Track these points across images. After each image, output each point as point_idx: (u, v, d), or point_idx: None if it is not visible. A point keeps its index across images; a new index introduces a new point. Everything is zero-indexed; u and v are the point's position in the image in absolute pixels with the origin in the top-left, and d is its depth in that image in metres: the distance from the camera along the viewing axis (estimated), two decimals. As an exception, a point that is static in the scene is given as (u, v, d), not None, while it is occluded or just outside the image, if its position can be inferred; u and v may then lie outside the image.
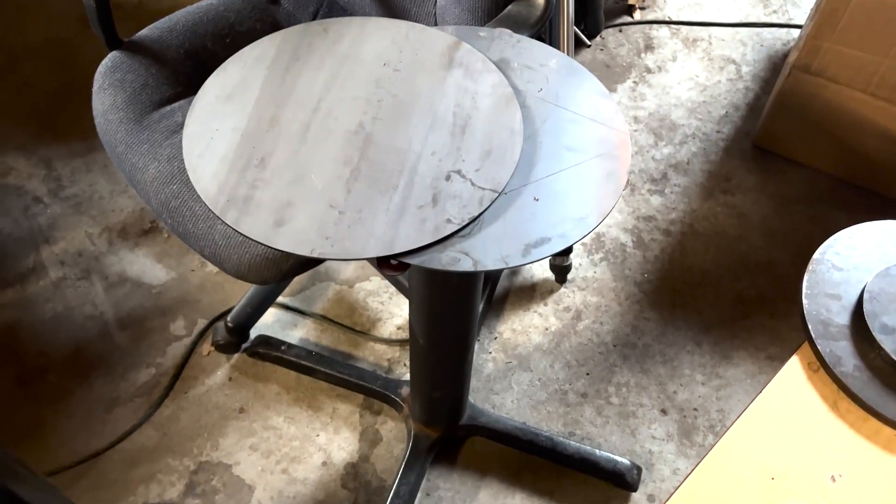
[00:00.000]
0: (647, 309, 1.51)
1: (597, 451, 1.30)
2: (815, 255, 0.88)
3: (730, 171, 1.72)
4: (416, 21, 1.21)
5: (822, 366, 0.80)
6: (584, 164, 0.78)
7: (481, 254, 0.70)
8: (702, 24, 2.00)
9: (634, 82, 1.88)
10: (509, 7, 1.04)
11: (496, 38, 0.89)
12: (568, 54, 1.31)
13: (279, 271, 1.03)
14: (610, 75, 1.89)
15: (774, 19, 2.02)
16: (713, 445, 0.76)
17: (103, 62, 1.19)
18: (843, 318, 0.82)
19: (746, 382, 1.41)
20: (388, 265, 0.71)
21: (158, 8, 1.99)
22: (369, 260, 0.71)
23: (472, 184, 0.74)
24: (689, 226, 1.63)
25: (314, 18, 1.32)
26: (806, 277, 0.86)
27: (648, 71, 1.90)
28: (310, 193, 0.74)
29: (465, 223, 0.71)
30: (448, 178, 0.75)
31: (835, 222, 1.63)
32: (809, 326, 0.82)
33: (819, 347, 0.80)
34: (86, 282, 1.50)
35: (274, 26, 1.29)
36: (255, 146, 0.78)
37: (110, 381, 1.38)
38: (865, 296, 0.82)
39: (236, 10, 1.27)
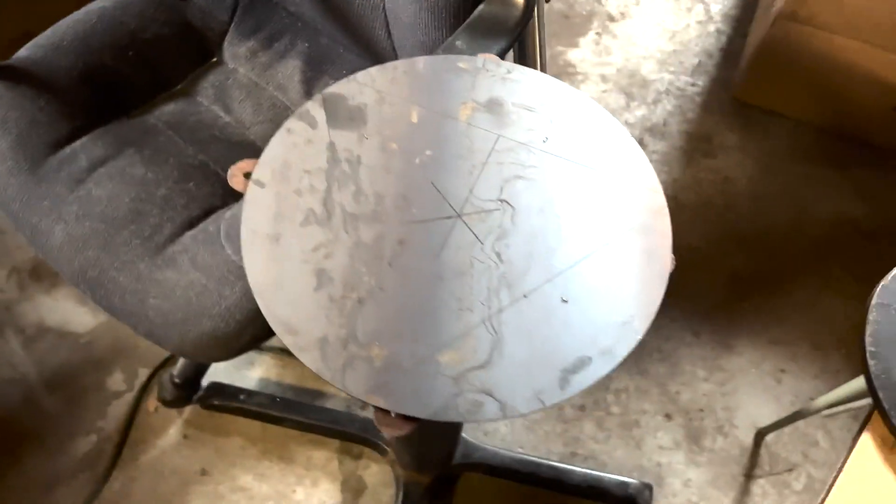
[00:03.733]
0: (638, 300, 1.38)
1: (604, 475, 1.19)
2: (874, 300, 0.74)
3: (710, 129, 1.57)
4: (361, 15, 1.00)
5: (901, 444, 0.68)
6: (615, 243, 0.61)
7: (508, 392, 0.54)
8: (663, -41, 1.80)
9: (597, 34, 1.69)
10: (480, 7, 0.84)
11: (480, 70, 0.70)
12: (541, 44, 1.12)
13: (231, 350, 0.85)
14: (570, 27, 1.69)
15: (739, -53, 1.84)
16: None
17: (-26, 98, 0.96)
18: (918, 380, 0.70)
19: (751, 373, 1.31)
20: (389, 420, 0.55)
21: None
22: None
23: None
24: (673, 198, 1.49)
25: (234, 13, 1.09)
26: (868, 331, 0.72)
27: (611, 19, 1.71)
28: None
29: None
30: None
31: (826, 180, 1.51)
32: (880, 394, 0.69)
33: (895, 421, 0.68)
34: (-2, 338, 1.28)
35: (185, 28, 1.06)
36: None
37: (45, 456, 1.19)
38: (943, 351, 0.70)
39: (136, 14, 1.03)
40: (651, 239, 0.62)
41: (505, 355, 0.56)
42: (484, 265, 0.59)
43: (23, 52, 0.99)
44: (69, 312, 1.31)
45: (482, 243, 0.61)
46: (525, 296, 0.58)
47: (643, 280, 0.60)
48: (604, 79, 1.62)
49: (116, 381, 1.26)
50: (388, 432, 0.54)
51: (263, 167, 0.63)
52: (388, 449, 1.19)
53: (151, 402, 1.24)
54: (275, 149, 0.64)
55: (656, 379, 1.30)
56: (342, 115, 0.66)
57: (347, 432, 1.20)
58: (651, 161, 1.48)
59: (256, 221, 0.60)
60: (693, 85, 1.63)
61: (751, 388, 1.30)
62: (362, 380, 0.54)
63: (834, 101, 1.48)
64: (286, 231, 0.60)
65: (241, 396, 1.22)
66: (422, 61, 0.70)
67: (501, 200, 0.63)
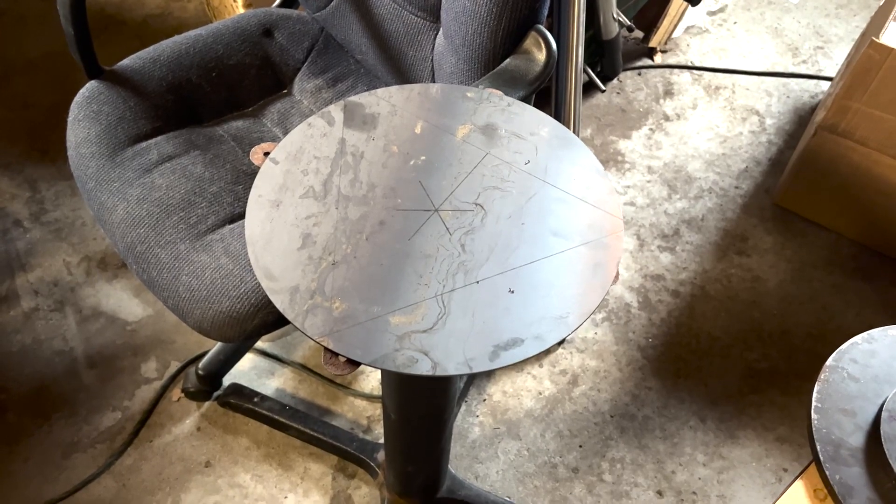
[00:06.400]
0: (650, 377, 1.41)
1: (583, 535, 1.20)
2: (829, 362, 0.78)
3: (747, 230, 1.62)
4: (412, 65, 1.13)
5: (829, 494, 0.70)
6: (569, 252, 0.69)
7: (443, 354, 0.62)
8: (725, 72, 1.90)
9: (651, 129, 1.78)
10: (507, 60, 0.95)
11: (484, 101, 0.80)
12: (574, 106, 1.23)
13: (242, 331, 0.94)
14: (625, 121, 1.80)
15: (803, 69, 1.92)
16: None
17: (80, 92, 1.13)
18: (857, 439, 0.73)
19: (752, 466, 1.31)
20: (335, 362, 0.62)
21: (162, 27, 1.94)
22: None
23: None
24: (700, 287, 1.53)
25: (308, 54, 1.25)
26: (817, 388, 0.76)
27: (666, 118, 1.81)
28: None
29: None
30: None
31: (856, 292, 1.52)
32: (818, 447, 0.72)
33: (828, 473, 0.70)
34: (58, 314, 1.42)
35: (265, 60, 1.22)
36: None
37: (72, 423, 1.30)
38: (884, 415, 0.72)
39: (225, 43, 1.20)
40: (602, 253, 0.69)
41: (447, 325, 0.63)
42: (448, 252, 0.68)
43: (126, 61, 1.16)
44: (123, 301, 1.45)
45: (451, 235, 0.69)
46: (477, 282, 0.66)
47: (586, 286, 0.66)
48: (650, 170, 1.70)
49: (150, 368, 1.37)
50: (332, 370, 0.62)
51: (281, 149, 0.75)
52: (379, 472, 1.24)
53: (176, 392, 1.34)
54: (294, 136, 0.76)
55: (654, 455, 1.32)
56: (357, 119, 0.78)
57: (345, 450, 1.26)
58: (684, 251, 1.55)
59: (264, 189, 0.71)
60: (737, 188, 1.68)
61: (749, 482, 1.29)
62: (319, 324, 0.63)
63: (867, 214, 1.51)
64: (286, 200, 0.70)
65: (255, 399, 1.30)
66: (436, 87, 0.81)
67: (476, 204, 0.72)
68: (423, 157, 0.75)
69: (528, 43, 0.95)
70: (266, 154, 0.74)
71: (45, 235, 1.53)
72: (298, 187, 0.72)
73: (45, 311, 1.43)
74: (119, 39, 1.91)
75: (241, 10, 1.63)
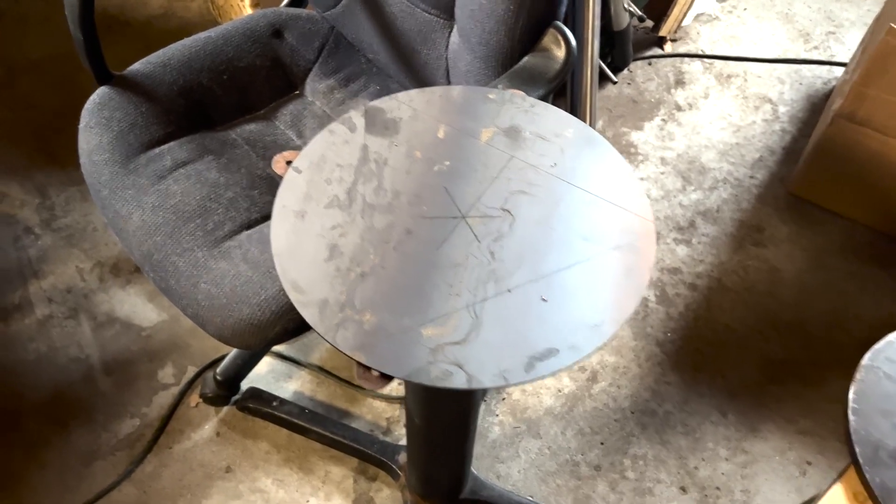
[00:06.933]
0: (669, 372, 1.40)
1: (608, 533, 1.19)
2: (865, 361, 0.77)
3: (762, 220, 1.60)
4: (426, 63, 1.11)
5: (870, 498, 0.69)
6: (600, 257, 0.67)
7: (477, 367, 0.60)
8: (737, 59, 1.88)
9: (663, 120, 1.77)
10: (525, 58, 0.94)
11: (507, 102, 0.79)
12: (590, 101, 1.21)
13: (263, 338, 0.94)
14: (637, 112, 1.78)
15: (815, 55, 1.90)
16: None
17: (91, 98, 1.11)
18: (896, 439, 0.71)
19: (775, 460, 1.30)
20: (368, 376, 0.61)
21: (166, 27, 1.92)
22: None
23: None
24: (717, 280, 1.51)
25: (319, 54, 1.23)
26: (853, 388, 0.75)
27: (678, 108, 1.79)
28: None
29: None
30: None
31: (873, 280, 1.51)
32: (857, 450, 0.71)
33: (868, 477, 0.69)
34: (73, 321, 1.42)
35: (276, 62, 1.20)
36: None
37: (91, 430, 1.30)
38: (923, 415, 0.71)
39: (235, 45, 1.18)
40: (634, 257, 0.67)
41: (481, 337, 0.62)
42: (478, 260, 0.67)
43: (136, 66, 1.15)
44: (137, 307, 1.44)
45: (480, 242, 0.68)
46: (509, 290, 0.65)
47: (619, 292, 0.65)
48: (663, 161, 1.69)
49: (167, 374, 1.36)
50: (365, 385, 0.61)
51: (303, 158, 0.73)
52: (400, 474, 1.23)
53: (193, 398, 1.34)
54: (316, 144, 0.74)
55: (677, 451, 1.31)
56: (379, 125, 0.76)
57: (366, 452, 1.26)
58: (700, 243, 1.54)
59: (288, 199, 0.70)
60: (751, 177, 1.67)
61: (773, 475, 1.28)
62: (351, 338, 0.62)
63: (885, 202, 1.50)
64: (311, 210, 0.69)
65: (274, 403, 1.30)
66: (457, 89, 0.80)
67: (504, 209, 0.71)
68: (447, 162, 0.74)
69: (547, 40, 0.93)
70: (289, 163, 0.73)
71: (57, 242, 1.52)
72: (323, 197, 0.70)
73: (59, 319, 1.42)
74: (123, 41, 1.89)
75: (248, 9, 1.61)
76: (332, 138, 0.75)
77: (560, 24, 0.93)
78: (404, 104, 0.78)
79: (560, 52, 0.92)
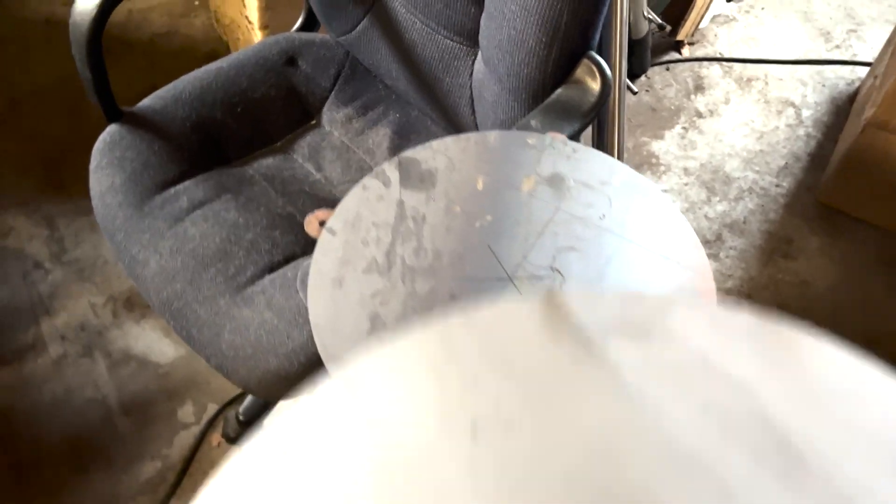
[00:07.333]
0: (702, 394, 1.35)
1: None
2: None
3: (791, 231, 1.56)
4: (449, 91, 1.07)
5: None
6: (659, 320, 0.63)
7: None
8: (757, 62, 1.83)
9: (684, 128, 1.72)
10: (558, 91, 0.89)
11: (547, 147, 0.74)
12: (619, 133, 1.17)
13: (290, 389, 0.90)
14: (657, 120, 1.73)
15: (837, 55, 1.85)
16: None
17: (101, 137, 1.07)
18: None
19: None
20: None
21: (169, 46, 1.87)
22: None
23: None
24: (747, 296, 1.47)
25: (335, 81, 1.19)
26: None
27: (699, 115, 1.74)
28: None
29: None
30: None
31: (910, 292, 1.47)
32: None
33: None
34: (88, 360, 1.38)
35: (291, 91, 1.16)
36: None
37: (111, 475, 1.26)
38: None
39: (248, 75, 1.14)
40: (695, 320, 0.63)
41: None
42: (528, 327, 0.62)
43: (146, 102, 1.10)
44: (153, 343, 1.40)
45: (529, 307, 0.64)
46: (564, 360, 0.61)
47: (683, 358, 0.61)
48: (686, 172, 1.64)
49: (186, 412, 1.33)
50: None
51: (337, 217, 0.69)
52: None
53: (215, 437, 1.30)
54: (350, 202, 0.70)
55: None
56: (414, 177, 0.72)
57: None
58: (727, 257, 1.49)
59: (324, 265, 0.66)
60: (778, 186, 1.62)
61: None
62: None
63: (922, 214, 1.46)
64: (349, 276, 0.65)
65: (299, 441, 1.26)
66: (493, 135, 0.75)
67: (553, 269, 0.66)
68: (488, 217, 0.70)
69: (581, 72, 0.89)
70: (322, 224, 0.68)
71: (68, 276, 1.48)
72: (360, 260, 0.66)
73: (73, 358, 1.38)
74: (127, 61, 1.85)
75: (256, 31, 1.57)
76: (365, 194, 0.71)
77: (594, 54, 0.88)
78: (439, 153, 0.74)
79: (595, 85, 0.87)
